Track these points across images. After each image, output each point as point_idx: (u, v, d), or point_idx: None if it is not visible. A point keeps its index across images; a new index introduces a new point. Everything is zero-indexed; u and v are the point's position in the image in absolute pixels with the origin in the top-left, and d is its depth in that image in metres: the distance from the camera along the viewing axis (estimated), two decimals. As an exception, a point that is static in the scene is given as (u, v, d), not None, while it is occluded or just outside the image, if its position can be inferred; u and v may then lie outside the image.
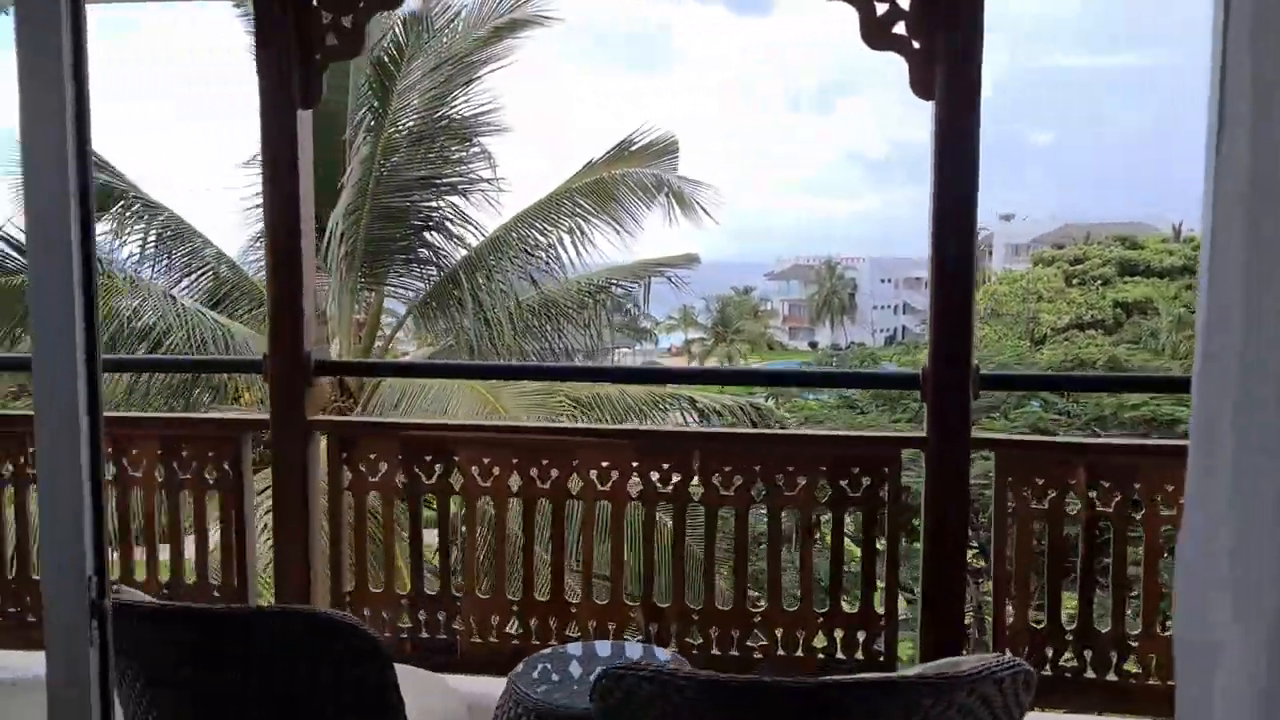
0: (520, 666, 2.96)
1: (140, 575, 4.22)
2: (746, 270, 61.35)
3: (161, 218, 10.43)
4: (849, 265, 61.08)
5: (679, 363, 48.43)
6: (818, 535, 3.92)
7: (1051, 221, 50.95)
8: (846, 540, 3.90)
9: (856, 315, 59.45)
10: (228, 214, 10.66)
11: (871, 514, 3.74)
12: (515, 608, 3.91)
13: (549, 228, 10.87)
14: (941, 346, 3.49)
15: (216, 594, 4.08)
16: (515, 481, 3.90)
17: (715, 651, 3.78)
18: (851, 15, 3.42)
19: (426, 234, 10.74)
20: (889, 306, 60.75)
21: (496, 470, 3.88)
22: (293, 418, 3.90)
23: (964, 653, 3.59)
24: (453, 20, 10.73)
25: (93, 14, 1.34)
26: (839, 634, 3.74)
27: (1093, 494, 3.59)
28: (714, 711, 2.12)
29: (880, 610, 3.74)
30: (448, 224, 10.76)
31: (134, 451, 4.09)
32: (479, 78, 10.70)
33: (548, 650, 3.39)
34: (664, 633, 3.82)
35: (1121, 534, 3.62)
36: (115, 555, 4.19)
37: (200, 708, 2.40)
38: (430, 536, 4.12)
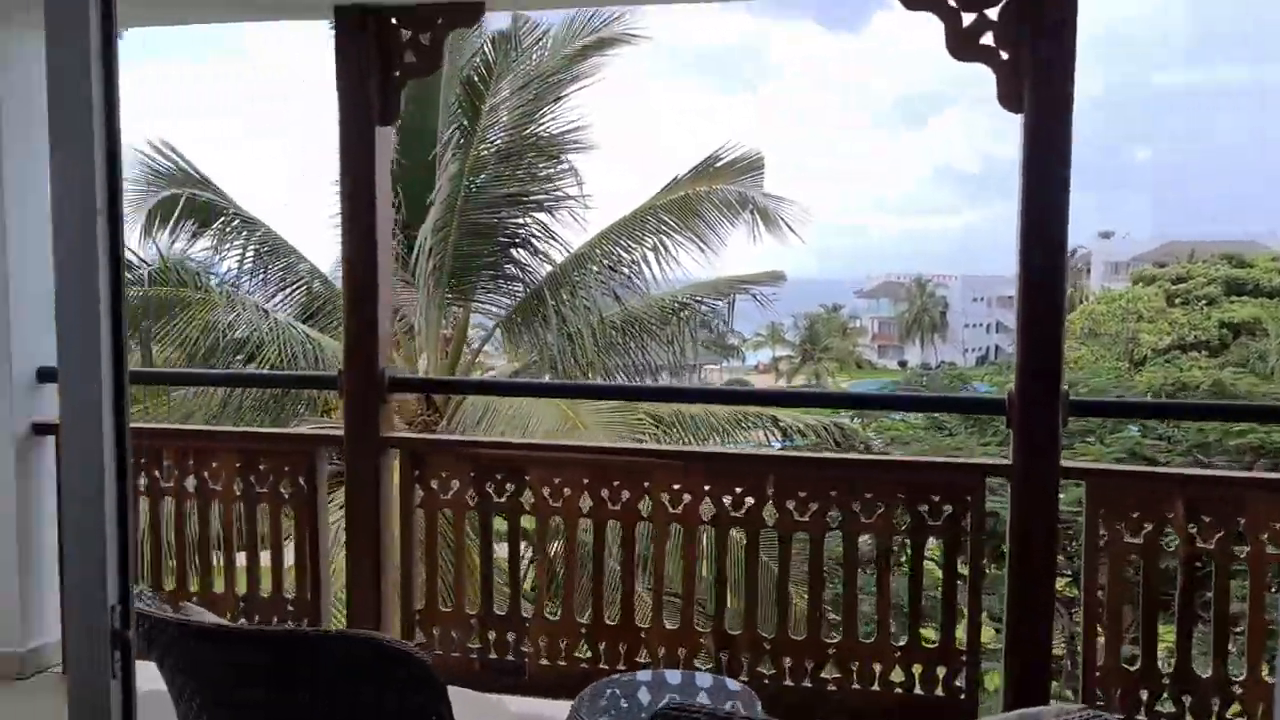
0: (587, 691, 2.90)
1: (219, 587, 4.28)
2: (835, 288, 60.66)
3: (259, 233, 10.67)
4: (940, 283, 60.03)
5: (766, 379, 48.16)
6: (895, 562, 3.78)
7: (1153, 240, 49.41)
8: (928, 563, 3.75)
9: (947, 333, 58.33)
10: (321, 229, 10.85)
11: (953, 543, 3.60)
12: (584, 630, 3.85)
13: (633, 244, 10.84)
14: (1029, 362, 3.35)
15: (291, 608, 4.11)
16: (586, 502, 3.85)
17: (788, 682, 3.67)
18: (939, 27, 3.33)
19: (513, 250, 10.80)
20: (981, 325, 59.51)
21: (567, 490, 3.83)
22: (366, 433, 3.91)
23: (1052, 685, 3.44)
24: (540, 39, 10.79)
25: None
26: (917, 669, 3.60)
27: (1192, 528, 3.40)
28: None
29: (961, 644, 3.59)
30: (534, 240, 10.81)
31: (214, 464, 4.16)
32: (566, 95, 10.74)
33: (616, 676, 3.30)
34: (735, 661, 3.72)
35: (1224, 571, 3.42)
36: (195, 566, 4.26)
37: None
38: (500, 558, 4.09)
